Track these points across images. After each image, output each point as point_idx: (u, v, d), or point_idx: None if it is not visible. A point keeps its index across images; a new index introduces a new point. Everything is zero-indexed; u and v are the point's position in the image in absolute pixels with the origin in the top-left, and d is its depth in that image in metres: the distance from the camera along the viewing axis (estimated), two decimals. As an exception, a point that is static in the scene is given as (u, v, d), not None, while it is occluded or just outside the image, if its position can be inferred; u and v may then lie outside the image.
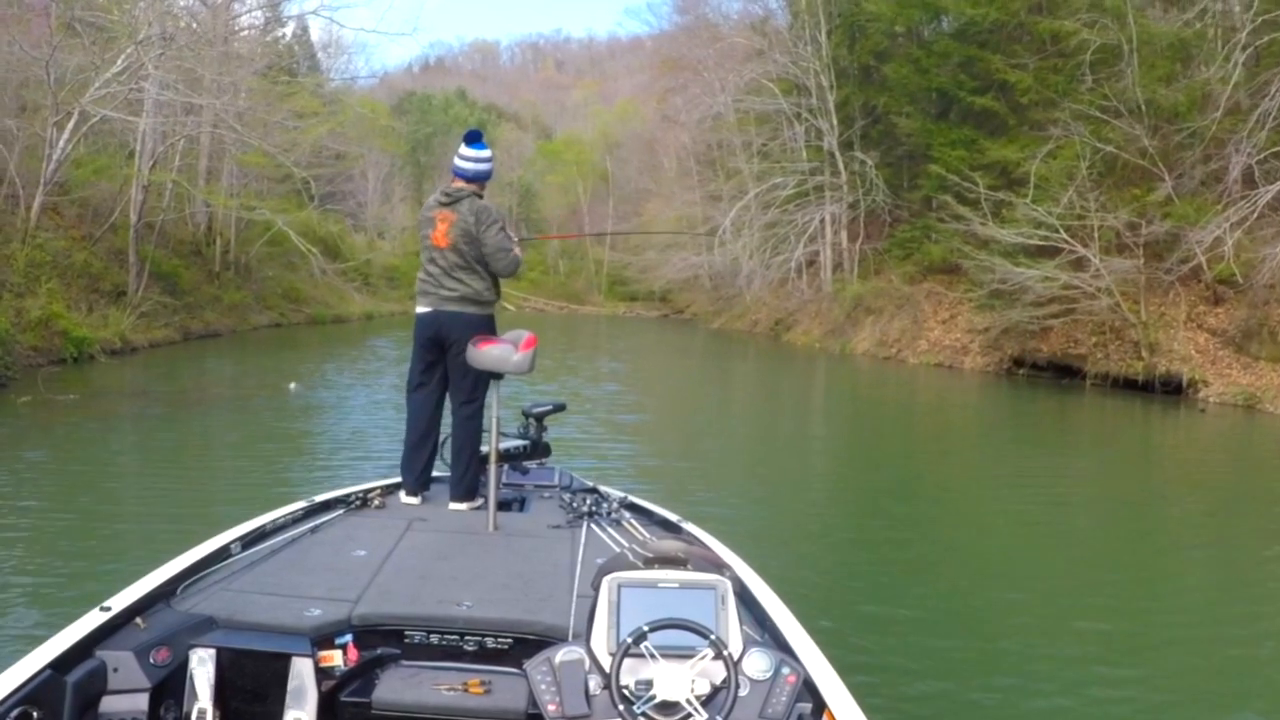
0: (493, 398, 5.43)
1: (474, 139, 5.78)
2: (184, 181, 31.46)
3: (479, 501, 5.49)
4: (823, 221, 40.32)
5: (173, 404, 16.74)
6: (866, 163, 38.14)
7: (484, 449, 5.63)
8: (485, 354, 5.27)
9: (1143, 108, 24.29)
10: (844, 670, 3.24)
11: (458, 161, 5.75)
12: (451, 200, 5.64)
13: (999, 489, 12.65)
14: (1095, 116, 24.76)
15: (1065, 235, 24.47)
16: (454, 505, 5.38)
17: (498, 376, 5.36)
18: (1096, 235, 24.19)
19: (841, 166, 39.31)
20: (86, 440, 12.98)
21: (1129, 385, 23.61)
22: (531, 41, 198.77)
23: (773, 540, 9.06)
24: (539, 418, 6.13)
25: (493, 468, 5.23)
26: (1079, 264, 24.60)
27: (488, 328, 5.64)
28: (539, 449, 6.13)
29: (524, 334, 5.34)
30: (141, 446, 13.13)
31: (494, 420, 5.34)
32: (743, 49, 44.46)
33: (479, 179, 5.76)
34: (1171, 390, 22.58)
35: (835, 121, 39.22)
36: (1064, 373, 25.88)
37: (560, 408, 6.37)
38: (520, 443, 6.02)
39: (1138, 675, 6.23)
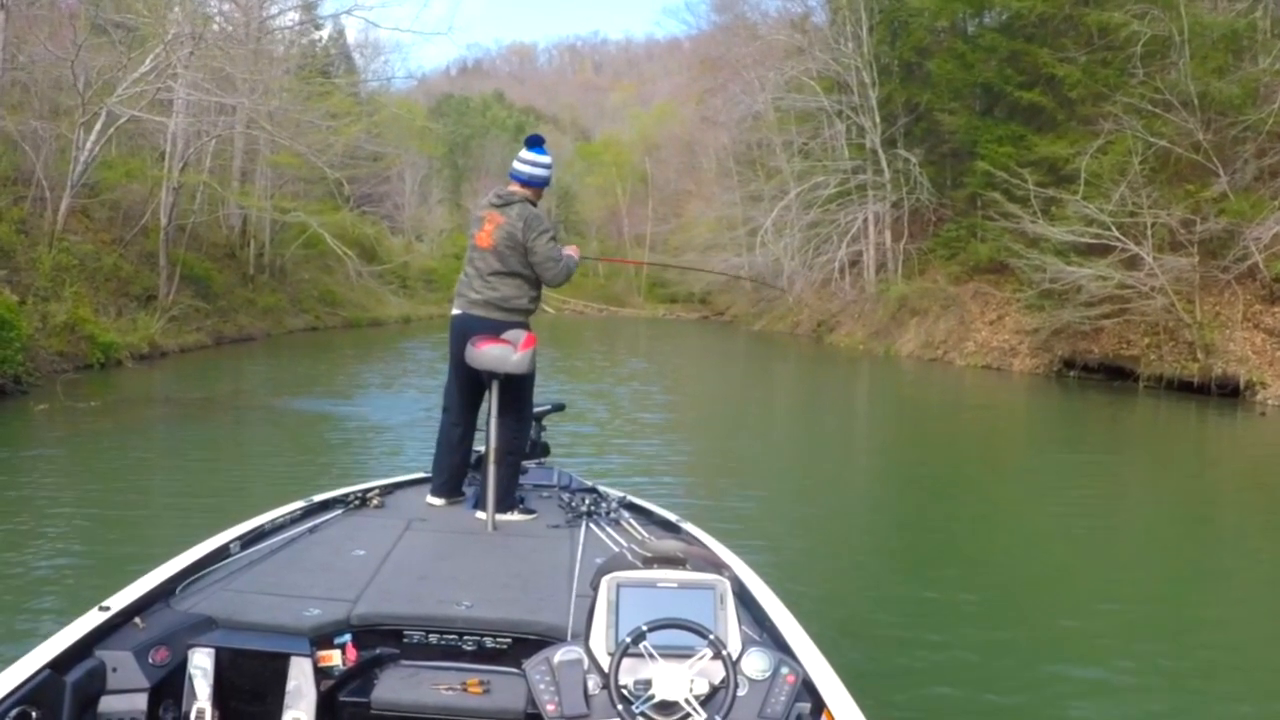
0: (491, 397, 5.35)
1: (535, 143, 5.69)
2: (215, 184, 31.32)
3: (516, 515, 5.36)
4: (866, 221, 39.84)
5: (195, 410, 16.53)
6: (910, 160, 37.61)
7: (479, 449, 5.62)
8: (484, 354, 5.20)
9: (1195, 101, 23.57)
10: (843, 670, 3.21)
11: (515, 164, 5.65)
12: (503, 203, 5.53)
13: (1035, 492, 12.31)
14: (1147, 110, 24.11)
15: (1117, 233, 23.87)
16: (500, 516, 5.24)
17: (497, 377, 5.25)
18: (1150, 233, 23.55)
19: (884, 165, 38.79)
20: (96, 448, 12.72)
21: (1184, 387, 22.91)
22: (569, 44, 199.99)
23: (784, 539, 8.97)
24: (538, 418, 6.09)
25: (490, 467, 5.17)
26: (1132, 262, 23.96)
27: None
28: (538, 449, 6.12)
29: (523, 333, 5.30)
30: (153, 454, 12.84)
31: (491, 420, 5.28)
32: (782, 47, 44.16)
33: (534, 184, 5.64)
34: (1228, 392, 21.89)
35: (878, 119, 38.76)
36: (1116, 375, 25.20)
37: (559, 408, 6.40)
38: None
39: (1161, 682, 5.96)
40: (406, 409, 16.59)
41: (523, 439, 5.63)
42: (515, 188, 5.58)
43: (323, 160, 31.36)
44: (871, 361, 32.50)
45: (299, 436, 14.39)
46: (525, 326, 5.51)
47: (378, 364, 26.18)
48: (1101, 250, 24.62)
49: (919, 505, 11.20)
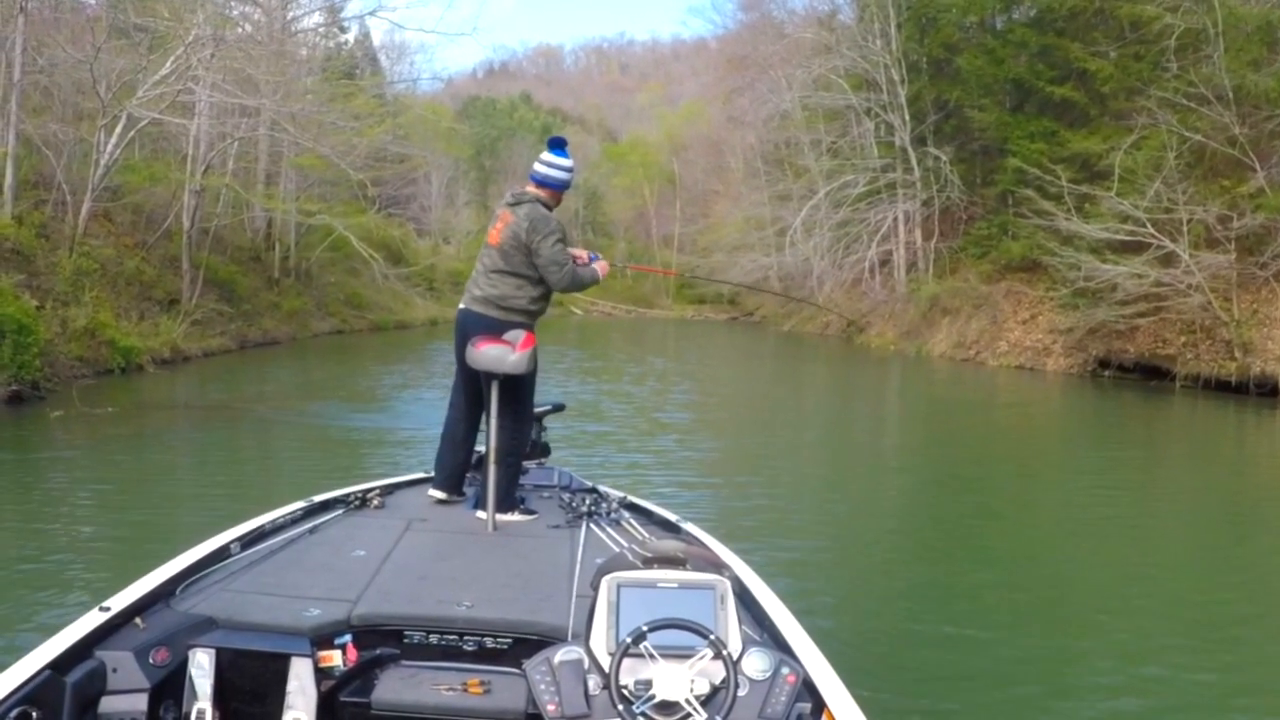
0: (490, 397, 5.32)
1: (555, 145, 5.71)
2: (239, 187, 31.25)
3: (516, 515, 5.36)
4: (895, 220, 39.50)
5: (214, 415, 16.39)
6: (940, 158, 37.26)
7: (479, 448, 5.62)
8: (483, 354, 5.20)
9: (1230, 95, 23.17)
10: (843, 670, 3.20)
11: (534, 165, 5.70)
12: (515, 202, 5.57)
13: (1060, 491, 12.14)
14: (1181, 105, 23.77)
15: (1152, 230, 23.48)
16: (500, 516, 5.22)
17: (495, 377, 5.24)
18: (1186, 229, 23.15)
19: (914, 163, 38.44)
20: (107, 453, 12.48)
21: (1221, 387, 22.53)
22: (595, 45, 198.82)
23: (792, 537, 8.90)
24: (538, 418, 6.08)
25: (490, 467, 5.16)
26: (1167, 260, 23.57)
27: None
28: (538, 449, 6.12)
29: (522, 334, 5.30)
30: (165, 459, 12.66)
31: (491, 420, 5.27)
32: (809, 45, 43.93)
33: (548, 185, 5.63)
34: (1267, 392, 21.49)
35: (907, 116, 38.37)
36: (1152, 374, 24.82)
37: (559, 407, 6.39)
38: None
39: (1188, 682, 5.79)
40: (426, 412, 16.41)
41: (522, 439, 5.61)
42: (531, 188, 5.59)
43: (346, 162, 31.19)
44: (903, 362, 32.20)
45: (319, 441, 14.23)
46: (526, 327, 5.48)
47: (402, 366, 26.12)
48: (1136, 247, 24.21)
49: (936, 503, 11.10)
